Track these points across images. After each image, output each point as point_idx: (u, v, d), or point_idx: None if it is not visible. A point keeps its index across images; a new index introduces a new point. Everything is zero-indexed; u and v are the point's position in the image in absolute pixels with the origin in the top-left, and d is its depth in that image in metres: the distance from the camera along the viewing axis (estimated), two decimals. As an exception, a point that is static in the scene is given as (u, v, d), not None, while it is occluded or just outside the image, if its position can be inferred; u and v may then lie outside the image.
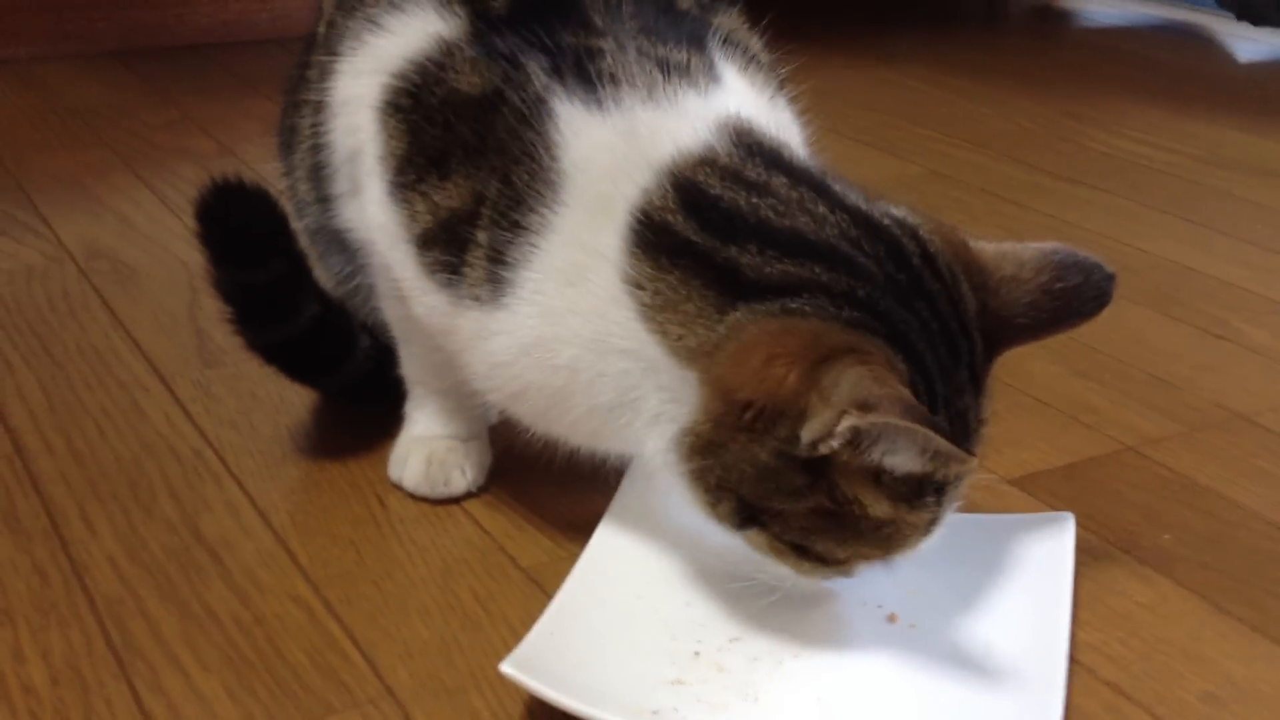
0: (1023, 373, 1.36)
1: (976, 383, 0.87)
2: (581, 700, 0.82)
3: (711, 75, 0.95)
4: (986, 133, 2.24)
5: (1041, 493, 1.14)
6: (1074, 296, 0.89)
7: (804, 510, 0.83)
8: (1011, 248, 0.91)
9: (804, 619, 0.93)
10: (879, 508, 0.83)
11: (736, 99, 0.95)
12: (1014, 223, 1.81)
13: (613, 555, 0.98)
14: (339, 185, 1.06)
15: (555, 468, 1.10)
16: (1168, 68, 2.75)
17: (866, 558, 0.87)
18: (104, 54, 2.57)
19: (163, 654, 0.92)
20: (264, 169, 1.15)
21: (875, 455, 0.80)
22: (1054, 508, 1.11)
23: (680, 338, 0.86)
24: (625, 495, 1.05)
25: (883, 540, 0.85)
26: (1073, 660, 0.92)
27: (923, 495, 0.84)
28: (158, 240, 1.66)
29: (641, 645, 0.90)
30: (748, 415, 0.83)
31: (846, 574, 0.88)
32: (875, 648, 0.91)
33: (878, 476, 0.82)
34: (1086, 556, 1.05)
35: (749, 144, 0.90)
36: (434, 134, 0.95)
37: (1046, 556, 0.97)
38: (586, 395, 0.91)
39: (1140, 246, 1.72)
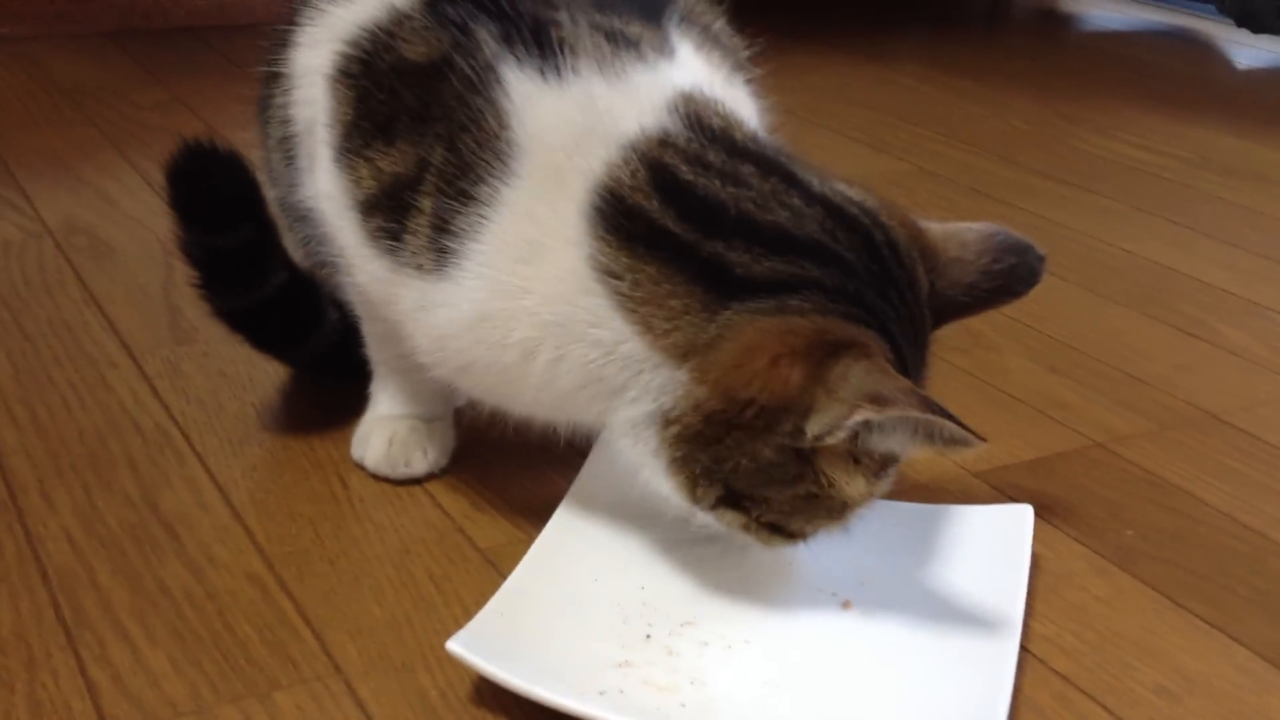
0: (997, 368, 1.36)
1: (927, 360, 0.91)
2: (526, 679, 0.81)
3: (664, 50, 0.94)
4: (979, 132, 2.23)
5: (1006, 486, 1.13)
6: (1008, 277, 0.94)
7: (790, 495, 0.85)
8: (955, 229, 0.95)
9: (758, 605, 0.93)
10: (854, 487, 0.86)
11: (687, 75, 0.94)
12: (1000, 221, 1.78)
13: (570, 537, 0.98)
14: (301, 159, 1.05)
15: (519, 449, 1.11)
16: (1166, 73, 2.75)
17: (827, 529, 0.90)
18: (98, 34, 2.57)
19: (111, 627, 0.91)
20: (250, 148, 1.15)
21: (874, 443, 0.83)
22: (1016, 500, 1.11)
23: (667, 333, 0.85)
24: (587, 477, 1.04)
25: (840, 511, 0.88)
26: (1025, 651, 0.92)
27: (887, 469, 0.88)
28: (138, 218, 1.65)
29: (593, 627, 0.90)
30: (749, 413, 0.83)
31: (804, 540, 0.91)
32: (827, 634, 0.91)
33: (857, 459, 0.85)
34: (1047, 550, 1.04)
35: (702, 124, 0.89)
36: (380, 100, 0.95)
37: (1003, 548, 0.97)
38: (545, 376, 0.90)
39: (1125, 247, 1.72)
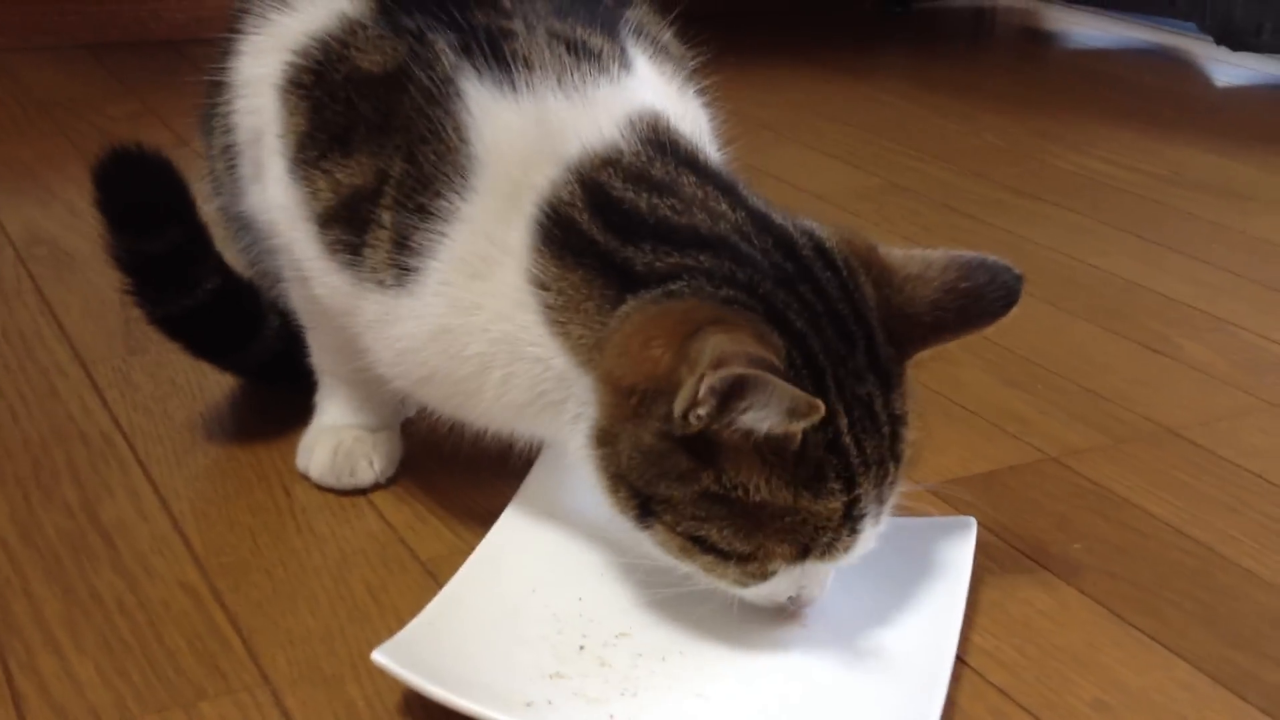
0: (952, 381, 1.35)
1: (883, 376, 0.85)
2: (451, 690, 0.81)
3: (623, 63, 0.94)
4: (953, 148, 2.23)
5: (956, 500, 1.12)
6: (980, 296, 0.88)
7: (693, 496, 0.82)
8: (920, 251, 0.90)
9: (694, 617, 0.92)
10: (769, 490, 0.81)
11: (647, 88, 0.94)
12: (968, 236, 1.80)
13: (510, 547, 0.98)
14: (244, 168, 1.05)
15: (468, 460, 1.10)
16: (1144, 90, 2.75)
17: (777, 555, 0.83)
18: (76, 47, 2.57)
19: (41, 635, 0.90)
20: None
21: (746, 420, 0.78)
22: (964, 514, 1.10)
23: (581, 338, 0.86)
24: (530, 487, 1.04)
25: (788, 532, 0.82)
26: (963, 664, 0.91)
27: (824, 479, 0.81)
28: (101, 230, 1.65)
29: (526, 637, 0.89)
30: (633, 400, 0.82)
31: (761, 576, 0.85)
32: (762, 646, 0.90)
33: (764, 455, 0.80)
34: (992, 563, 1.04)
35: (658, 140, 0.90)
36: (336, 111, 0.94)
37: (944, 560, 0.96)
38: (498, 390, 0.91)
39: (1091, 262, 1.71)
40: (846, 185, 2.00)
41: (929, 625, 0.90)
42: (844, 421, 0.81)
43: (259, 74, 0.99)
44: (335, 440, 1.10)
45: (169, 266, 1.10)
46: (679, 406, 0.79)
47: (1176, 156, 2.22)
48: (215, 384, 1.26)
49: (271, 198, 0.99)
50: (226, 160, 1.08)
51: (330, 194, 0.94)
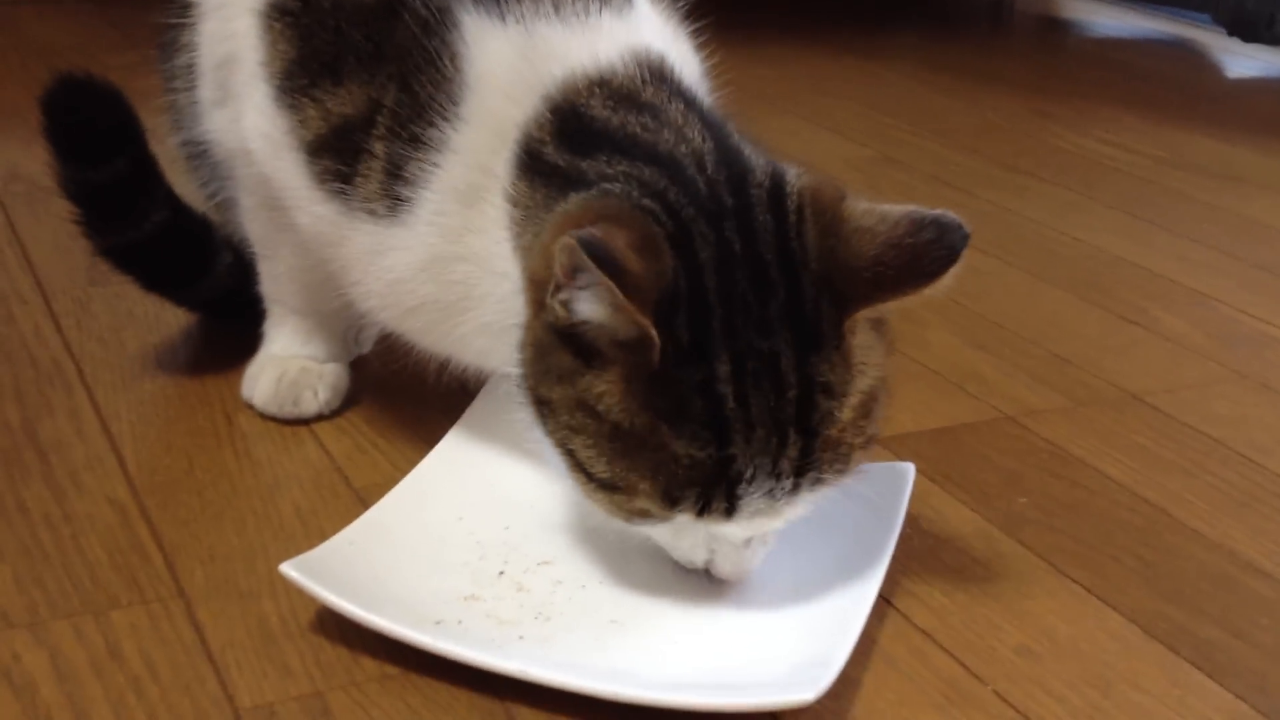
0: (919, 341, 1.34)
1: (803, 334, 0.78)
2: (359, 605, 0.80)
3: None
4: (951, 125, 2.21)
5: (906, 452, 1.11)
6: (923, 254, 0.79)
7: (568, 400, 0.78)
8: (885, 206, 0.82)
9: (619, 548, 0.91)
10: (626, 407, 0.76)
11: (649, 24, 0.93)
12: (952, 207, 1.72)
13: (442, 475, 0.97)
14: (204, 92, 1.04)
15: (416, 396, 1.09)
16: (1153, 77, 2.72)
17: (640, 492, 0.78)
18: (81, 0, 2.57)
19: (-38, 542, 0.90)
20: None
21: (583, 306, 0.75)
22: (919, 467, 1.08)
23: (529, 245, 0.85)
24: (470, 418, 1.03)
25: (652, 469, 0.77)
26: (890, 606, 0.90)
27: (686, 418, 0.76)
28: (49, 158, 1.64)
29: (447, 562, 0.89)
30: (537, 292, 0.80)
31: (634, 513, 0.80)
32: (684, 578, 0.88)
33: (626, 366, 0.76)
34: (933, 513, 1.02)
35: (658, 70, 0.88)
36: (326, 39, 0.93)
37: (877, 503, 0.95)
38: (477, 312, 0.90)
39: (1076, 236, 1.69)
40: (837, 155, 1.98)
41: (854, 566, 0.89)
42: (724, 368, 0.76)
43: None
44: (281, 369, 1.09)
45: (116, 197, 1.09)
46: (549, 290, 0.77)
47: (1177, 140, 2.19)
48: (173, 317, 1.25)
49: (251, 125, 0.98)
50: (186, 82, 1.07)
51: (321, 122, 0.93)
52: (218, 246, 1.15)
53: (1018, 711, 0.82)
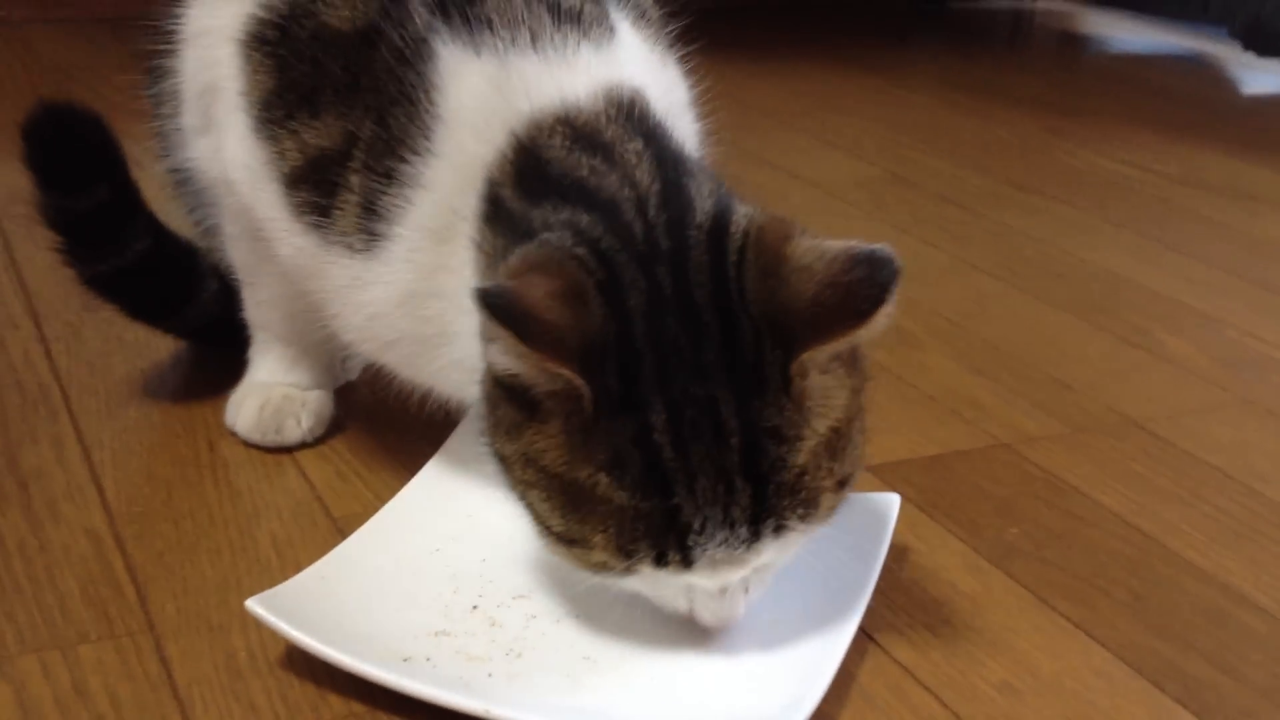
0: (916, 365, 1.32)
1: (744, 379, 0.75)
2: (324, 642, 0.79)
3: (606, 26, 0.91)
4: (961, 143, 2.20)
5: (897, 480, 1.09)
6: (854, 292, 0.75)
7: (519, 455, 0.77)
8: (828, 243, 0.78)
9: (598, 583, 0.90)
10: (567, 459, 0.75)
11: (631, 55, 0.92)
12: (957, 227, 1.77)
13: (419, 506, 0.96)
14: (188, 119, 1.04)
15: (400, 424, 1.08)
16: (1169, 94, 2.69)
17: (595, 546, 0.76)
18: (94, 20, 2.58)
19: (-66, 573, 0.90)
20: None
21: (495, 355, 0.74)
22: (906, 495, 1.07)
23: None
24: (450, 448, 1.02)
25: (604, 522, 0.75)
26: (870, 641, 0.89)
27: (624, 469, 0.74)
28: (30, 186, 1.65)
29: (419, 596, 0.87)
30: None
31: (598, 566, 0.78)
32: (661, 615, 0.87)
33: (563, 417, 0.75)
34: (921, 544, 1.01)
35: (626, 106, 0.86)
36: (303, 70, 0.92)
37: (861, 535, 0.93)
38: (451, 348, 0.90)
39: (1081, 256, 1.67)
40: (844, 174, 1.97)
41: (834, 601, 0.87)
42: (658, 416, 0.74)
43: (214, 25, 0.98)
44: (264, 397, 1.08)
45: (97, 225, 1.09)
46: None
47: (1190, 158, 2.17)
48: (163, 343, 1.24)
49: (231, 156, 0.98)
50: (170, 109, 1.07)
51: (298, 154, 0.92)
52: (203, 274, 1.15)
53: (997, 752, 0.80)
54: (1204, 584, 0.98)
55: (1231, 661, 0.89)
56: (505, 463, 0.79)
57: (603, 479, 0.75)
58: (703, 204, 0.81)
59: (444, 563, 0.91)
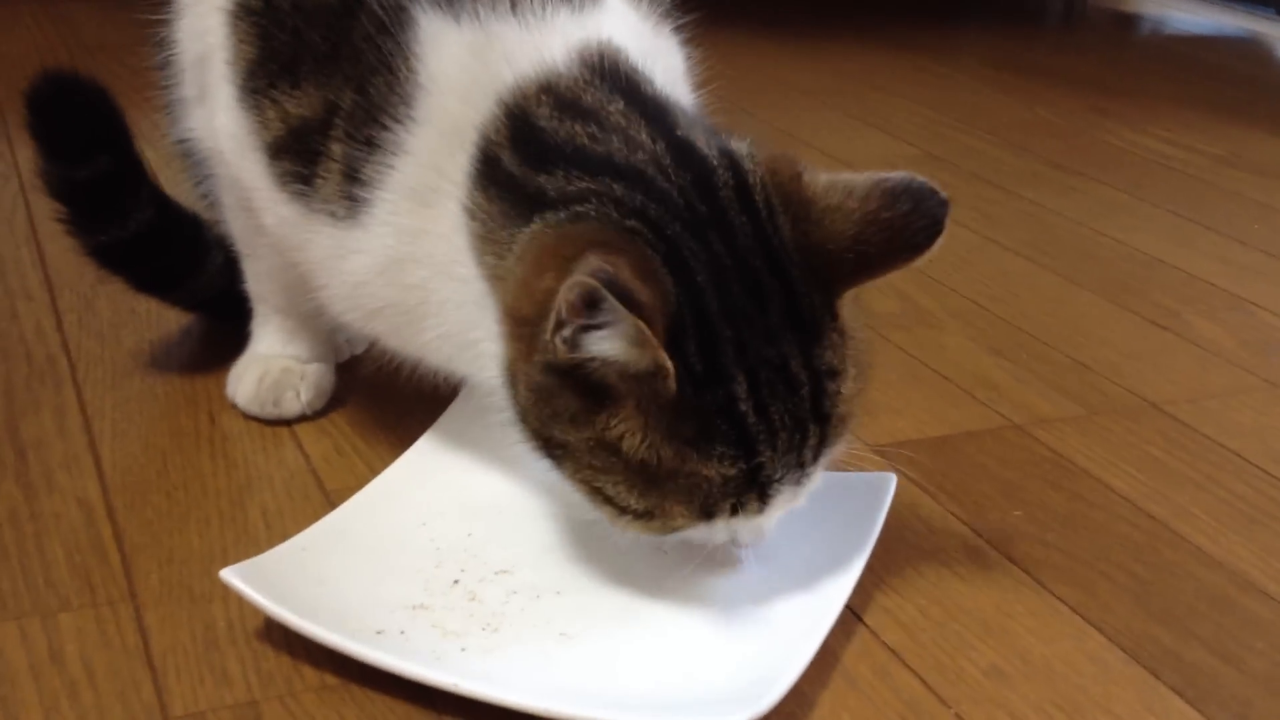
0: (934, 345, 1.30)
1: (804, 330, 0.78)
2: (297, 613, 0.79)
3: None
4: (1001, 122, 2.16)
5: (902, 460, 1.07)
6: (903, 226, 0.77)
7: (586, 443, 0.77)
8: (846, 177, 0.81)
9: (583, 558, 0.89)
10: (649, 443, 0.75)
11: (613, 20, 0.90)
12: (990, 206, 1.73)
13: (409, 480, 0.95)
14: (185, 89, 1.04)
15: (402, 398, 1.08)
16: (1221, 74, 2.64)
17: (675, 515, 0.78)
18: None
19: (-76, 540, 0.90)
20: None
21: (599, 346, 0.73)
22: (910, 476, 1.05)
23: (494, 266, 0.83)
24: (444, 423, 1.01)
25: (686, 493, 0.77)
26: (859, 622, 0.87)
27: (712, 442, 0.76)
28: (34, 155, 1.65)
29: (401, 569, 0.87)
30: (525, 330, 0.79)
31: (668, 530, 0.80)
32: (645, 591, 0.86)
33: (640, 401, 0.75)
34: (919, 524, 0.99)
35: (602, 68, 0.85)
36: (284, 39, 0.92)
37: (854, 516, 0.92)
38: (437, 319, 0.89)
39: (1116, 237, 1.64)
40: (877, 153, 1.94)
41: (822, 581, 0.86)
42: (740, 386, 0.75)
43: None
44: (263, 369, 1.08)
45: (98, 196, 1.09)
46: (548, 328, 0.75)
47: (1237, 138, 2.12)
48: (174, 315, 1.25)
49: (220, 126, 0.98)
50: (171, 79, 1.06)
51: (280, 124, 0.92)
52: (208, 246, 1.15)
53: (979, 736, 0.78)
54: (1211, 570, 0.96)
55: (1232, 649, 0.87)
56: (566, 451, 0.79)
57: (690, 453, 0.76)
58: (712, 156, 0.81)
59: (429, 537, 0.90)
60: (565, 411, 0.77)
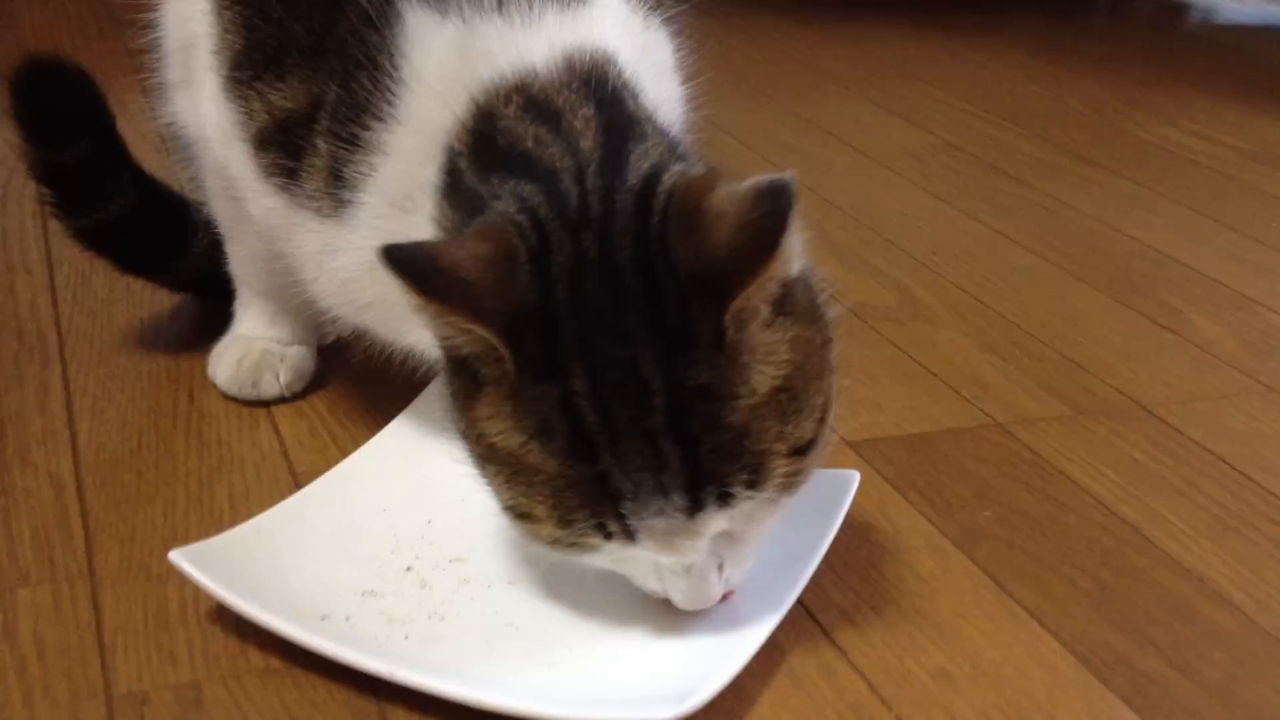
0: (925, 340, 1.29)
1: (667, 335, 0.73)
2: (241, 597, 0.80)
3: None
4: (1027, 111, 2.13)
5: (876, 457, 1.07)
6: (763, 226, 0.72)
7: (469, 430, 0.77)
8: (742, 184, 0.75)
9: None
10: (500, 429, 0.74)
11: (604, 17, 0.89)
12: (1002, 198, 1.72)
13: (373, 465, 0.96)
14: (170, 73, 1.04)
15: (385, 383, 1.08)
16: (1263, 65, 2.59)
17: (541, 518, 0.75)
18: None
19: (-106, 514, 0.92)
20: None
21: (440, 328, 0.74)
22: (883, 473, 1.05)
23: None
24: (416, 409, 1.02)
25: (542, 492, 0.74)
26: (812, 620, 0.87)
27: (552, 436, 0.73)
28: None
29: (355, 554, 0.88)
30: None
31: (545, 539, 0.77)
32: (595, 582, 0.86)
33: (495, 386, 0.75)
34: (886, 523, 0.99)
35: (588, 76, 0.84)
36: (270, 31, 0.92)
37: (813, 513, 0.91)
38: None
39: (1129, 233, 1.62)
40: (895, 141, 1.93)
41: (772, 577, 0.86)
42: (580, 381, 0.72)
43: None
44: (244, 350, 1.09)
45: (80, 179, 1.10)
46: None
47: (1267, 132, 2.09)
48: (167, 294, 1.26)
49: (206, 114, 0.99)
50: (157, 61, 1.07)
51: (265, 116, 0.92)
52: (194, 228, 1.16)
53: (916, 740, 0.78)
54: (1178, 577, 0.95)
55: (1188, 659, 0.86)
56: (464, 439, 0.78)
57: (534, 447, 0.74)
58: (638, 168, 0.79)
59: (388, 523, 0.91)
60: (458, 396, 0.77)
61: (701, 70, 1.04)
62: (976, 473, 1.07)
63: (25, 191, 1.51)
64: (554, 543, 0.77)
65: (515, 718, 0.74)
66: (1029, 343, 1.31)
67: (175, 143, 1.13)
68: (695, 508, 0.73)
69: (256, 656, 0.80)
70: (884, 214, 1.62)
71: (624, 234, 0.75)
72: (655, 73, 0.93)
